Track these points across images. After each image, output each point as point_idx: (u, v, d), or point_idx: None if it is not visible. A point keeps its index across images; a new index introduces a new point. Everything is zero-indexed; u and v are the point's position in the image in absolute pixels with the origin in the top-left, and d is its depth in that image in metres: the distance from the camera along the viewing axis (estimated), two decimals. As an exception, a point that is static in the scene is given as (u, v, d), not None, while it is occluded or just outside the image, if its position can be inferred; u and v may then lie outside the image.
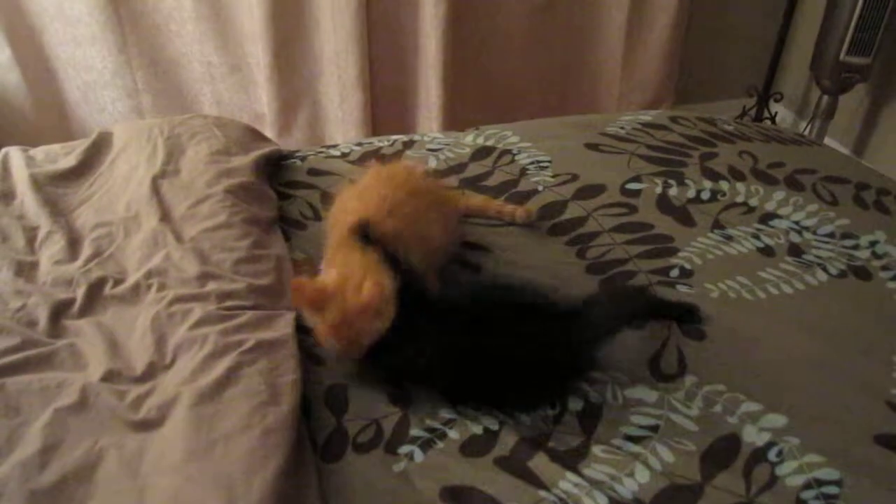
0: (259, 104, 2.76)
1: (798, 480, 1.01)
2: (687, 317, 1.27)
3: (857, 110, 2.96)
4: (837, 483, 1.01)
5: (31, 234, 1.38)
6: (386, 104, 2.83)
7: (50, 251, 1.34)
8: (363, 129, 2.74)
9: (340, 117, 2.77)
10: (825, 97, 2.90)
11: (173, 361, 1.11)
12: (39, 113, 2.56)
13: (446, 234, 1.36)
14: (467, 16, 2.71)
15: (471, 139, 1.79)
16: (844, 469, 1.03)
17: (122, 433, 0.99)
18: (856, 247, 1.45)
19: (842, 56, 2.74)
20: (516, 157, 1.71)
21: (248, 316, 1.17)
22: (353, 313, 1.07)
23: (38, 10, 2.42)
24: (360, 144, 1.79)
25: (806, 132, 2.97)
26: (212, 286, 1.23)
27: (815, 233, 1.48)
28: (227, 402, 1.02)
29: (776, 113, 3.28)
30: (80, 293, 1.25)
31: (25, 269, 1.30)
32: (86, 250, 1.34)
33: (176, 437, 0.97)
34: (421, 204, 1.31)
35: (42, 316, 1.20)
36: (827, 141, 3.02)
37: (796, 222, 1.51)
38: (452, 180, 1.63)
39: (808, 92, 3.17)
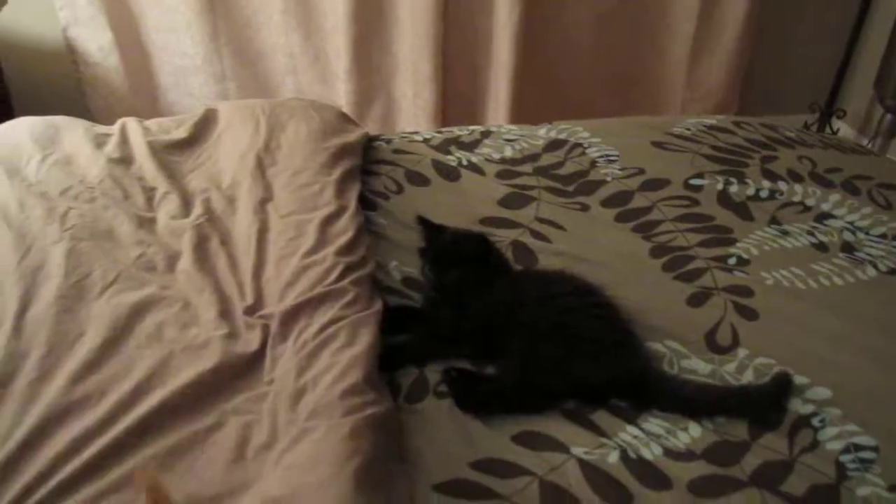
0: (336, 96, 2.89)
1: (838, 445, 1.12)
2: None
3: (919, 130, 3.01)
4: (874, 449, 1.11)
5: (149, 193, 1.54)
6: (456, 102, 2.94)
7: (166, 209, 1.50)
8: (433, 125, 2.86)
9: (413, 112, 2.89)
10: (888, 116, 2.94)
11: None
12: (134, 94, 2.72)
13: None
14: (538, 21, 2.81)
15: (544, 132, 1.91)
16: (881, 438, 1.12)
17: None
18: (906, 247, 1.53)
19: (908, 75, 2.78)
20: (587, 151, 1.83)
21: (335, 269, 1.31)
22: None
23: (139, -2, 2.60)
24: (440, 132, 1.92)
25: (870, 149, 3.02)
26: (304, 243, 1.38)
27: (867, 233, 1.57)
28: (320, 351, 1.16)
29: (838, 129, 3.32)
30: (191, 245, 1.40)
31: (145, 224, 1.46)
32: (197, 209, 1.49)
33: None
34: None
35: (160, 262, 1.36)
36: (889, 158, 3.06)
37: (850, 223, 1.60)
38: (527, 168, 1.75)
39: (871, 110, 3.21)
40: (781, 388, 1.19)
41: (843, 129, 3.35)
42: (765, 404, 1.18)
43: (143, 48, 2.71)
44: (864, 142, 3.12)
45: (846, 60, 3.17)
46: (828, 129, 3.30)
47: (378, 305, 1.26)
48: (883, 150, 3.02)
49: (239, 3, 2.67)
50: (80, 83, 2.66)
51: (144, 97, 2.77)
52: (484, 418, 1.14)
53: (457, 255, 1.28)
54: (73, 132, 1.70)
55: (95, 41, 2.59)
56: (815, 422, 1.15)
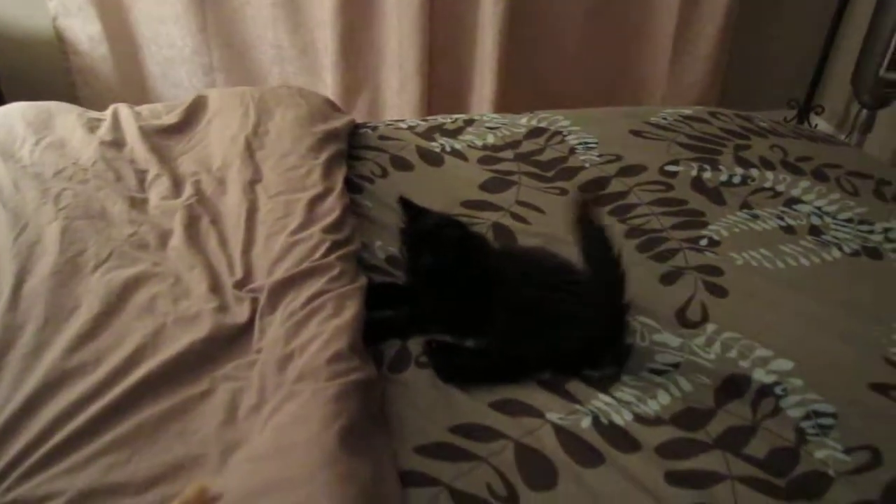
0: (323, 87, 2.92)
1: (798, 412, 1.18)
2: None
3: (894, 125, 3.08)
4: (833, 416, 1.17)
5: (141, 175, 1.59)
6: (441, 95, 2.99)
7: (157, 190, 1.55)
8: (418, 116, 2.91)
9: (398, 104, 2.94)
10: (864, 111, 3.01)
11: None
12: (123, 85, 2.76)
13: None
14: (523, 16, 2.87)
15: (525, 121, 1.97)
16: (840, 405, 1.19)
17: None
18: (871, 231, 1.60)
19: (881, 72, 2.83)
20: (566, 138, 1.89)
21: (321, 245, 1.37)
22: None
23: (129, -12, 2.64)
24: (425, 120, 1.98)
25: (842, 140, 3.09)
26: (291, 222, 1.43)
27: (834, 217, 1.64)
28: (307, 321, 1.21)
29: (816, 125, 3.39)
30: (182, 224, 1.45)
31: (137, 203, 1.51)
32: (187, 190, 1.54)
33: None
34: None
35: (152, 240, 1.41)
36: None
37: (818, 208, 1.66)
38: (508, 154, 1.81)
39: (849, 106, 3.28)
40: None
41: (821, 125, 3.43)
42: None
43: (132, 39, 2.74)
44: (841, 137, 3.20)
45: (824, 57, 3.23)
46: (806, 125, 3.37)
47: (363, 280, 1.32)
48: (859, 145, 3.09)
49: (227, -5, 2.71)
50: (70, 73, 2.70)
51: (133, 87, 2.80)
52: (463, 387, 1.20)
53: (431, 241, 1.31)
54: (65, 117, 1.74)
55: (85, 31, 2.62)
56: (778, 390, 1.21)
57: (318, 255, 1.33)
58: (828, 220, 1.63)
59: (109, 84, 2.74)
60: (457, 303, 1.31)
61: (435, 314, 1.32)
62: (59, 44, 2.65)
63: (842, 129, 3.33)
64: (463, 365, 1.24)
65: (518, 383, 1.21)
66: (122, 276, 1.30)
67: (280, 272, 1.30)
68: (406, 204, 1.38)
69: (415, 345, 1.27)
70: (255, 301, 1.27)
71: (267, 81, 2.89)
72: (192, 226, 1.45)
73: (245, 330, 1.23)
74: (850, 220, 1.63)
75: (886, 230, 1.60)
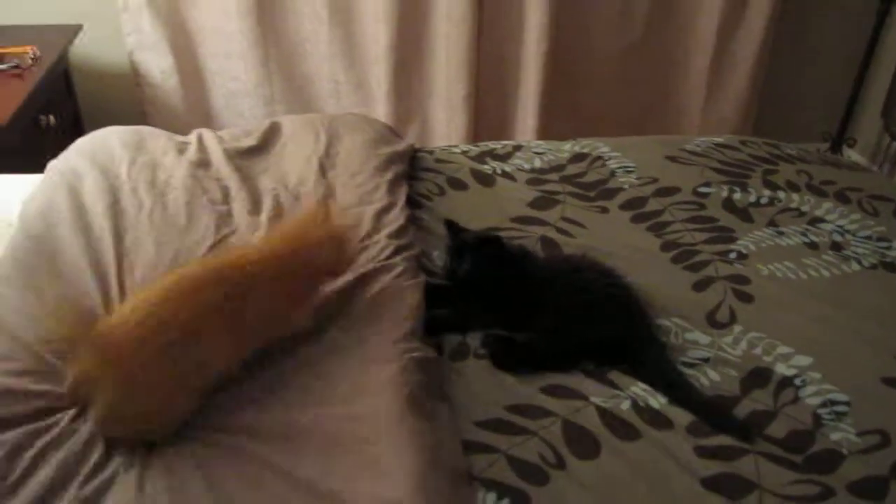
0: (376, 118, 3.13)
1: (816, 401, 1.32)
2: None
3: (925, 158, 3.17)
4: (846, 404, 1.31)
5: (225, 191, 1.78)
6: (486, 126, 3.15)
7: (240, 204, 1.73)
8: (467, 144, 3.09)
9: (446, 135, 3.11)
10: (895, 144, 3.12)
11: None
12: (189, 114, 2.97)
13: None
14: (565, 54, 3.03)
15: (569, 147, 2.15)
16: (854, 395, 1.33)
17: None
18: (889, 248, 1.74)
19: (912, 105, 2.95)
20: (607, 163, 2.06)
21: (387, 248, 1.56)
22: None
23: (198, 26, 2.85)
24: (476, 146, 2.16)
25: (864, 166, 3.19)
26: (361, 230, 1.62)
27: (854, 235, 1.78)
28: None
29: (849, 158, 3.50)
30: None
31: (224, 217, 1.70)
32: (267, 204, 1.73)
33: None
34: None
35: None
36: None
37: (840, 226, 1.81)
38: (554, 177, 1.98)
39: (881, 139, 3.37)
40: (738, 431, 1.27)
41: (854, 157, 3.52)
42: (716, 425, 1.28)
43: (200, 72, 2.95)
44: (874, 170, 3.29)
45: (856, 90, 3.31)
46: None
47: (422, 277, 1.51)
48: (891, 176, 3.19)
49: (289, 32, 2.89)
50: (142, 103, 2.92)
51: (199, 117, 2.99)
52: (516, 375, 1.36)
53: (470, 252, 1.51)
54: (156, 140, 1.95)
55: (158, 65, 2.84)
56: (798, 382, 1.36)
57: (383, 256, 1.53)
58: (848, 237, 1.77)
59: (178, 114, 2.94)
60: (495, 303, 1.49)
61: (477, 313, 1.50)
62: (134, 76, 2.87)
63: (874, 161, 3.43)
64: (517, 354, 1.40)
65: (563, 372, 1.37)
66: None
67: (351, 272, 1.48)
68: (450, 225, 1.60)
69: (472, 339, 1.44)
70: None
71: (324, 113, 3.09)
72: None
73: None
74: (869, 238, 1.77)
75: (903, 247, 1.74)
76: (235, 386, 1.25)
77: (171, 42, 2.83)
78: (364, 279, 1.47)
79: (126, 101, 2.94)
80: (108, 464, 1.11)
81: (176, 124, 2.90)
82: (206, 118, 3.04)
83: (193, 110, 3.00)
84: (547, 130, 3.09)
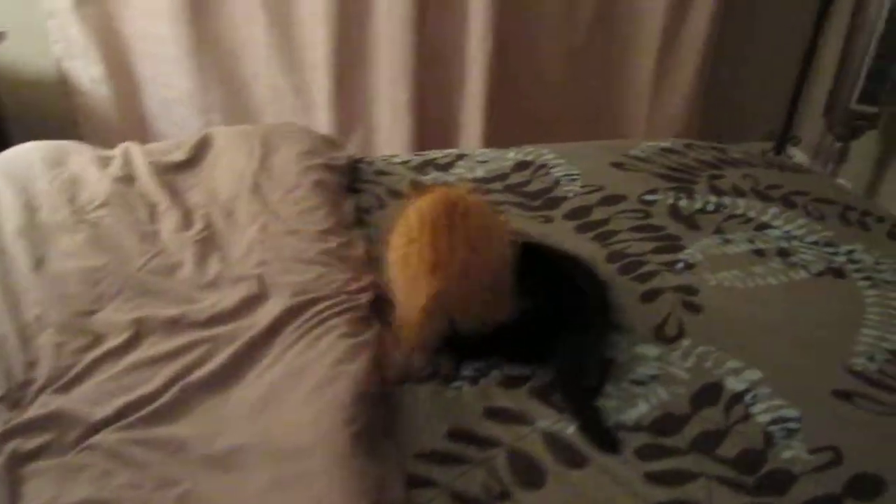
0: (318, 125, 3.00)
1: (766, 417, 1.28)
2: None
3: (867, 156, 3.20)
4: (797, 420, 1.28)
5: (152, 209, 1.69)
6: (431, 129, 3.09)
7: (168, 223, 1.65)
8: (410, 152, 3.00)
9: (390, 140, 3.04)
10: (837, 142, 3.13)
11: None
12: (123, 123, 2.85)
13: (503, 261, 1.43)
14: (509, 54, 2.99)
15: (512, 154, 2.10)
16: (805, 411, 1.29)
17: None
18: (835, 253, 1.71)
19: (852, 104, 2.95)
20: (551, 171, 2.01)
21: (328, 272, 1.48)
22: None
23: (129, 32, 2.74)
24: (418, 155, 2.10)
25: (809, 168, 3.21)
26: (302, 254, 1.54)
27: (801, 241, 1.75)
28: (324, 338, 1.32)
29: (793, 157, 3.52)
30: (192, 256, 1.55)
31: (149, 236, 1.61)
32: (197, 223, 1.65)
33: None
34: (488, 245, 1.39)
35: (161, 270, 1.51)
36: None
37: (787, 232, 1.78)
38: (497, 186, 1.93)
39: (823, 137, 3.39)
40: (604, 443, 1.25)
41: (798, 156, 3.55)
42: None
43: (133, 79, 2.84)
44: (818, 168, 3.31)
45: (798, 90, 3.35)
46: (784, 156, 3.49)
47: (371, 297, 1.44)
48: (834, 174, 3.20)
49: (224, 37, 2.80)
50: (73, 112, 2.80)
51: (133, 126, 2.89)
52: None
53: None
54: (78, 155, 1.85)
55: (88, 73, 2.73)
56: (748, 398, 1.32)
57: (330, 279, 1.45)
58: (795, 243, 1.74)
59: (111, 123, 2.84)
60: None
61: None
62: (63, 85, 2.75)
63: (818, 159, 3.45)
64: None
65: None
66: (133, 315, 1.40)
67: (292, 297, 1.40)
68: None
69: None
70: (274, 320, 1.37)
71: (262, 121, 2.98)
72: (201, 258, 1.55)
73: (263, 342, 1.33)
74: (815, 243, 1.75)
75: (850, 252, 1.72)
76: (169, 410, 1.19)
77: (101, 49, 2.72)
78: (307, 306, 1.39)
79: (56, 110, 2.82)
80: None
81: (109, 134, 2.81)
82: (140, 127, 2.94)
83: (127, 119, 2.89)
84: (493, 133, 3.06)
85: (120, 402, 1.21)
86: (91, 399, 1.22)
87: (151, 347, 1.32)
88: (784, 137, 3.46)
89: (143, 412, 1.20)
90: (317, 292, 1.41)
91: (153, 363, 1.29)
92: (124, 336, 1.34)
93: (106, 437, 1.16)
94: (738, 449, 1.22)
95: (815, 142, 3.47)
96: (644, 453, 1.21)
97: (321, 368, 1.22)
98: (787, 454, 1.22)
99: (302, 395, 1.18)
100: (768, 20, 3.28)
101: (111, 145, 1.98)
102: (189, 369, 1.27)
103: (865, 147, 3.15)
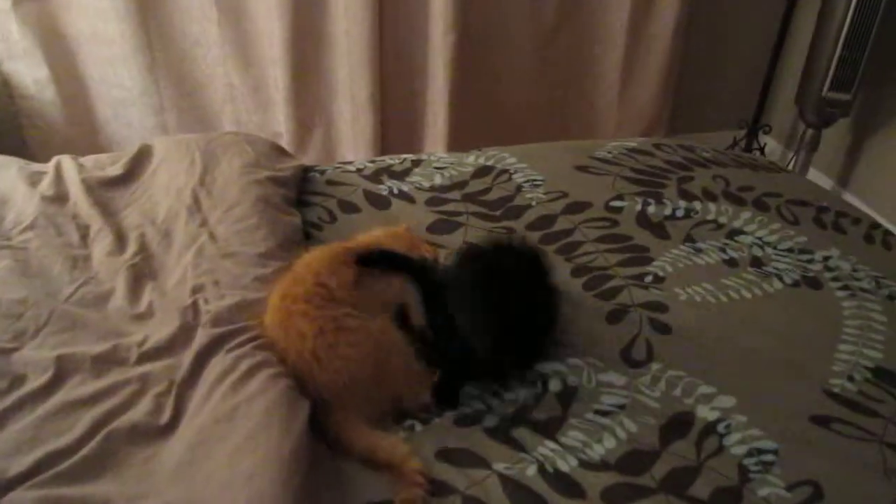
0: (276, 123, 2.94)
1: (741, 450, 1.20)
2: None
3: (840, 143, 3.15)
4: (774, 452, 1.19)
5: (83, 231, 1.57)
6: (395, 126, 3.01)
7: (100, 245, 1.53)
8: (373, 149, 2.93)
9: (352, 137, 2.95)
10: (809, 130, 3.08)
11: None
12: (72, 127, 2.74)
13: None
14: (475, 45, 2.90)
15: (472, 159, 1.99)
16: (781, 441, 1.21)
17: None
18: (811, 260, 1.63)
19: (824, 92, 2.90)
20: (513, 176, 1.91)
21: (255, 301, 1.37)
22: None
23: (75, 31, 2.61)
24: (373, 161, 1.99)
25: (792, 163, 3.16)
26: (240, 280, 1.42)
27: (775, 248, 1.67)
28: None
29: (765, 144, 3.46)
30: (125, 283, 1.43)
31: (80, 261, 1.49)
32: (132, 246, 1.53)
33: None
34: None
35: (91, 301, 1.39)
36: (811, 172, 3.20)
37: (760, 238, 1.70)
38: (455, 195, 1.82)
39: (795, 125, 3.35)
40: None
41: (770, 144, 3.50)
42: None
43: (81, 80, 2.72)
44: (790, 156, 3.26)
45: (769, 78, 3.31)
46: (755, 145, 3.43)
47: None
48: (806, 163, 3.16)
49: (176, 35, 2.70)
50: (17, 116, 2.67)
51: (83, 129, 2.78)
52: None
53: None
54: (5, 171, 1.73)
55: (31, 75, 2.61)
56: (721, 428, 1.23)
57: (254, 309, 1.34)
58: (769, 250, 1.66)
59: (59, 127, 2.72)
60: None
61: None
62: (5, 88, 2.62)
63: (790, 147, 3.40)
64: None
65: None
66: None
67: (212, 327, 1.29)
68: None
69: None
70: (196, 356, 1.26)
71: (220, 120, 2.89)
72: (135, 286, 1.44)
73: (190, 382, 1.22)
74: (790, 250, 1.66)
75: (826, 259, 1.64)
76: (91, 464, 1.10)
77: (44, 49, 2.59)
78: (234, 336, 1.28)
79: (0, 115, 2.66)
80: None
81: (57, 139, 2.71)
82: (91, 131, 2.83)
83: (76, 123, 2.77)
84: (459, 130, 2.98)
85: (38, 454, 1.10)
86: (6, 452, 1.11)
87: (74, 389, 1.21)
88: (755, 126, 3.40)
89: (63, 466, 1.09)
90: (237, 323, 1.30)
91: (75, 407, 1.18)
92: (45, 377, 1.22)
93: (20, 496, 1.05)
94: (711, 487, 1.13)
95: (787, 130, 3.42)
96: (611, 496, 1.12)
97: (253, 415, 1.11)
98: (763, 491, 1.13)
99: (232, 446, 1.07)
100: (738, 7, 3.23)
101: (58, 151, 1.87)
102: (113, 415, 1.16)
103: (837, 135, 3.09)
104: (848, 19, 2.71)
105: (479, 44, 2.93)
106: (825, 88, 2.89)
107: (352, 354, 1.21)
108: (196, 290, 1.39)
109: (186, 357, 1.24)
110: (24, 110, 2.67)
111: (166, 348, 1.28)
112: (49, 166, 1.77)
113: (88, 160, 1.81)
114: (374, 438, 1.17)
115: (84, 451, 1.11)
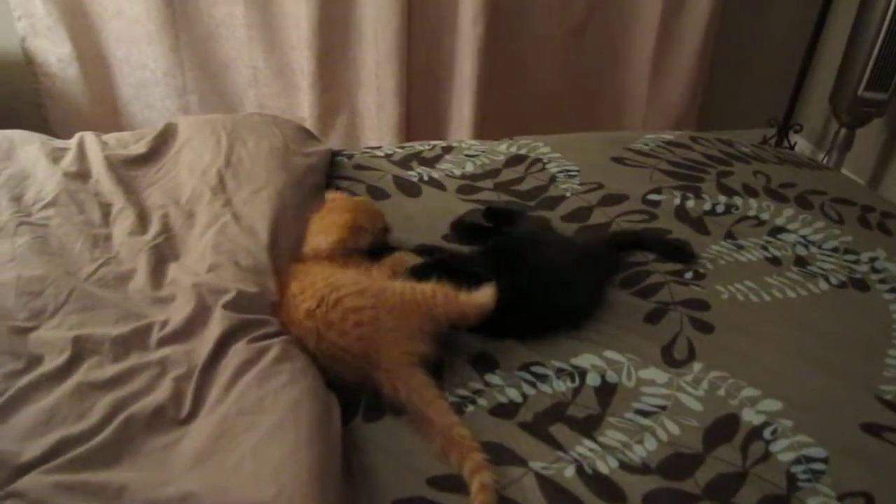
0: (300, 109, 2.89)
1: (789, 456, 1.14)
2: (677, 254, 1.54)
3: (873, 144, 3.07)
4: (824, 461, 1.13)
5: (105, 209, 1.52)
6: (420, 116, 2.96)
7: (122, 225, 1.48)
8: (397, 138, 2.88)
9: (376, 125, 2.90)
10: (843, 130, 3.01)
11: None
12: (93, 106, 2.70)
13: None
14: (503, 36, 2.85)
15: (504, 148, 1.93)
16: (831, 449, 1.15)
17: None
18: (857, 262, 1.57)
19: (860, 91, 2.83)
20: (547, 166, 1.85)
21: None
22: None
23: (99, 9, 2.57)
24: (402, 147, 1.93)
25: (824, 163, 3.08)
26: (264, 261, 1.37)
27: (820, 247, 1.60)
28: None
29: (795, 143, 3.39)
30: (146, 264, 1.38)
31: (101, 240, 1.44)
32: (154, 226, 1.48)
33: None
34: None
35: (112, 281, 1.35)
36: (843, 172, 3.13)
37: (803, 237, 1.63)
38: (488, 184, 1.77)
39: (827, 124, 3.28)
40: None
41: (801, 143, 3.42)
42: None
43: (104, 59, 2.68)
44: (821, 156, 3.19)
45: (802, 76, 3.24)
46: (785, 144, 3.36)
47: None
48: (838, 163, 3.09)
49: (201, 15, 2.66)
50: (39, 94, 2.63)
51: (105, 109, 2.74)
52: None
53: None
54: (28, 146, 1.68)
55: (54, 52, 2.56)
56: (767, 433, 1.17)
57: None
58: (813, 249, 1.60)
59: (80, 106, 2.68)
60: None
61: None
62: (28, 65, 2.58)
63: (821, 147, 3.33)
64: None
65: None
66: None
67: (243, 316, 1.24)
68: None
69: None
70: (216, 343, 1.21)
71: (242, 104, 2.85)
72: (157, 267, 1.39)
73: (210, 368, 1.17)
74: (835, 250, 1.60)
75: (872, 260, 1.57)
76: (108, 450, 1.05)
77: (68, 26, 2.54)
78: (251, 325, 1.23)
79: (21, 93, 2.64)
80: None
81: (78, 118, 2.67)
82: (112, 111, 2.78)
83: (98, 102, 2.72)
84: (485, 118, 2.92)
85: (53, 438, 1.05)
86: (21, 435, 1.06)
87: (91, 372, 1.16)
88: (786, 124, 3.33)
89: (79, 451, 1.04)
90: (258, 313, 1.26)
91: (92, 391, 1.13)
92: (62, 358, 1.17)
93: (35, 480, 1.00)
94: (758, 495, 1.08)
95: (819, 129, 3.34)
96: (654, 501, 1.06)
97: (280, 408, 1.06)
98: (813, 501, 1.07)
99: (258, 438, 1.02)
100: (773, 3, 3.16)
101: (79, 130, 1.82)
102: (132, 399, 1.11)
103: (870, 135, 3.02)
104: (888, 17, 2.63)
105: (508, 34, 2.87)
106: (861, 87, 2.82)
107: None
108: (213, 267, 1.34)
109: (206, 342, 1.19)
110: (46, 88, 2.63)
111: (184, 331, 1.23)
112: (72, 143, 1.72)
113: (111, 138, 1.77)
114: (428, 394, 1.16)
115: (101, 437, 1.06)
